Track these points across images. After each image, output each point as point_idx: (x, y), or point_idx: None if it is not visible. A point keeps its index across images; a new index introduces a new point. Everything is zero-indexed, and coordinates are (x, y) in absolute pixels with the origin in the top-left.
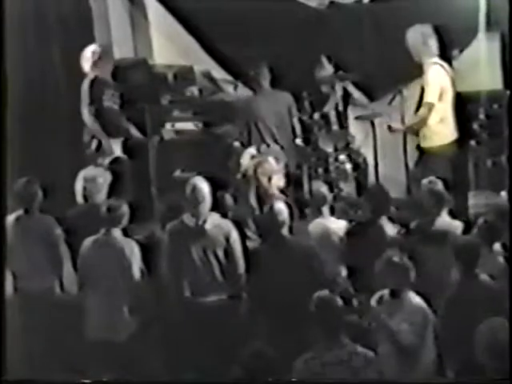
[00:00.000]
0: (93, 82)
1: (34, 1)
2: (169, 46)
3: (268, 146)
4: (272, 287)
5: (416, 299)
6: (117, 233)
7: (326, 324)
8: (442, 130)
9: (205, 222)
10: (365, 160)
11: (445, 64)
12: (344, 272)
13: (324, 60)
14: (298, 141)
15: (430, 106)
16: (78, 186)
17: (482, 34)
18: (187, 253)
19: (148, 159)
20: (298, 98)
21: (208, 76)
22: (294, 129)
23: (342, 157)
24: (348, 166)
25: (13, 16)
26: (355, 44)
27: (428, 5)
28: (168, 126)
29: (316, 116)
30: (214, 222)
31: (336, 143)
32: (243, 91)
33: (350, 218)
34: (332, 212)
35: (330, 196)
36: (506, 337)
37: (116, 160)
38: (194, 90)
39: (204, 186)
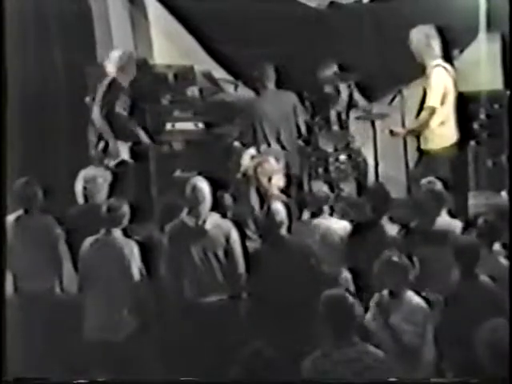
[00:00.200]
0: (111, 85)
1: (34, 1)
2: (169, 45)
3: (269, 145)
4: (272, 287)
5: (416, 299)
6: (117, 233)
7: (334, 322)
8: (443, 132)
9: (205, 222)
10: (365, 160)
11: (447, 66)
12: (345, 272)
13: (328, 60)
14: (299, 141)
15: (432, 110)
16: (78, 186)
17: (482, 34)
18: (187, 253)
19: (148, 159)
20: (298, 98)
21: (208, 76)
22: (299, 129)
23: (343, 157)
24: (348, 166)
25: (13, 16)
26: (355, 44)
27: (428, 5)
28: (168, 126)
29: (318, 117)
30: (213, 222)
31: (336, 143)
32: (244, 91)
33: (350, 218)
34: (332, 212)
35: (330, 196)
36: (505, 337)
37: (121, 163)
38: (194, 90)
39: (204, 186)
